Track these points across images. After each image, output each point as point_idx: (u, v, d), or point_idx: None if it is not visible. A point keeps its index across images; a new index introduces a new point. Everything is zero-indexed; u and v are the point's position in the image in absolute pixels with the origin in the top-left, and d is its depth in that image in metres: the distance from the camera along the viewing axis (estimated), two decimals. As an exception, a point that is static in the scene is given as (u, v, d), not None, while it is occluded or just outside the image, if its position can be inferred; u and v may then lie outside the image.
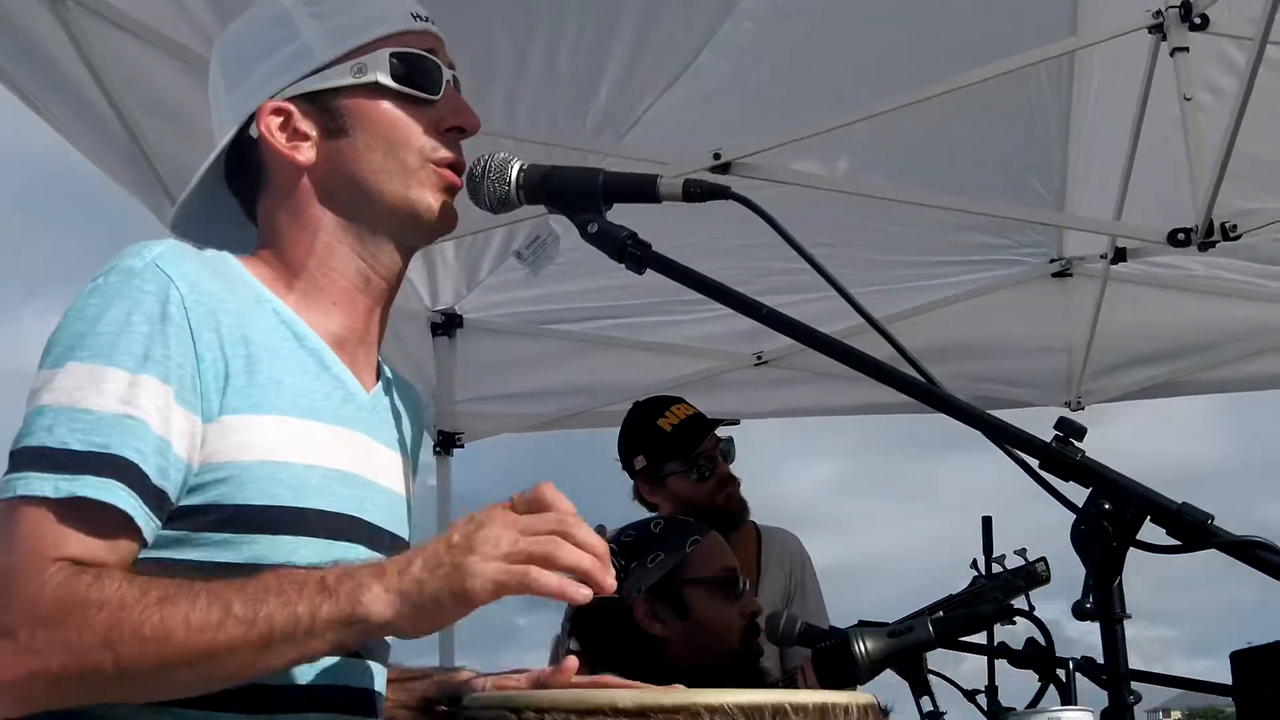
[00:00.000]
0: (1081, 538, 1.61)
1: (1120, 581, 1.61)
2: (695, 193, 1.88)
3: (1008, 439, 1.67)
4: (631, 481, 4.23)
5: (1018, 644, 2.95)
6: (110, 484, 1.59)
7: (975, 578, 3.95)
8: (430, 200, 1.88)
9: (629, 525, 3.19)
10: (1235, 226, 3.32)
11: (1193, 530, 1.59)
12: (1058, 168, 4.82)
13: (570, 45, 4.20)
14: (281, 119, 1.87)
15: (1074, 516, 1.63)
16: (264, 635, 1.52)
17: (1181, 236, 3.42)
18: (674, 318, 5.47)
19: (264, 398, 1.74)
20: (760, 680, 3.08)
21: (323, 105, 1.87)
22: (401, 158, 1.87)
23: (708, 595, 3.03)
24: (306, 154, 1.87)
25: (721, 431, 4.23)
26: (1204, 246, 3.39)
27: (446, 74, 1.93)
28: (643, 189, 1.88)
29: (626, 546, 3.04)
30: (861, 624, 1.75)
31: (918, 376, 1.80)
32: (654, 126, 4.56)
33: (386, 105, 1.88)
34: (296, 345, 1.82)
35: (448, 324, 5.53)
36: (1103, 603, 1.59)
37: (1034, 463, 1.66)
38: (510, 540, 1.56)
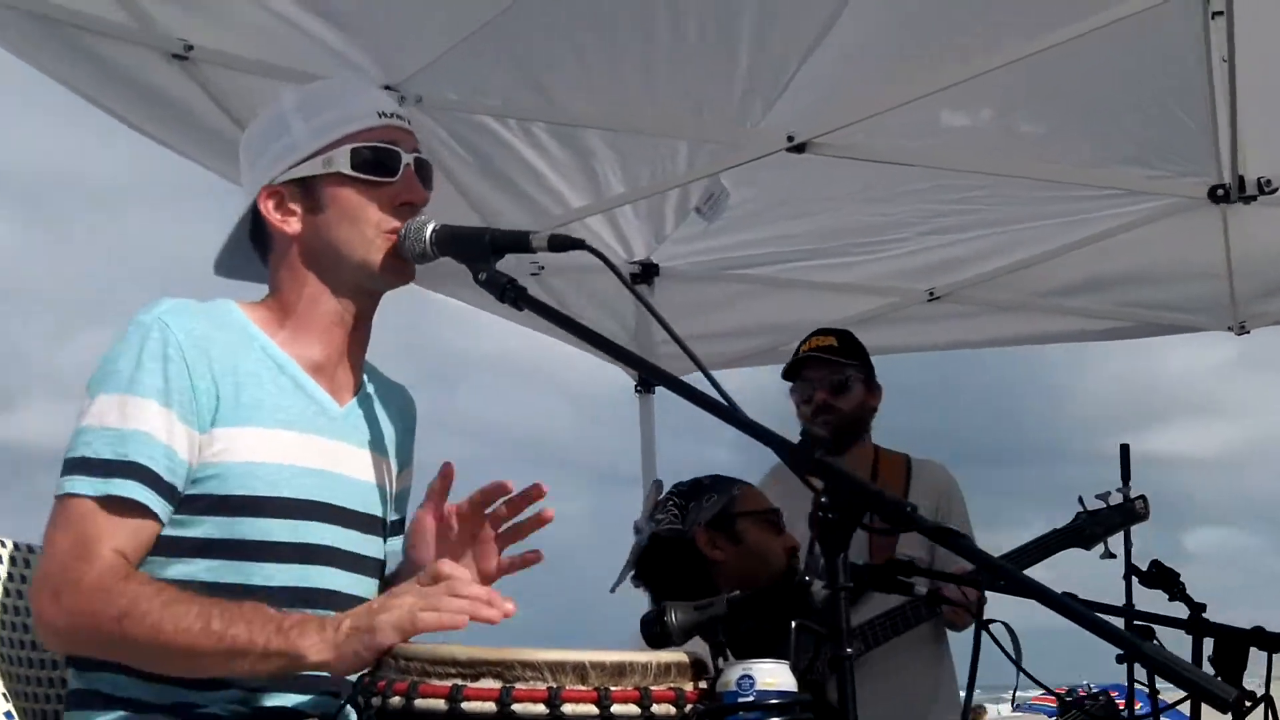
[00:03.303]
0: (816, 521, 2.01)
1: (846, 555, 2.00)
2: (557, 244, 2.32)
3: (769, 441, 2.09)
4: None
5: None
6: (130, 484, 2.21)
7: (1078, 513, 4.28)
8: (383, 261, 2.42)
9: (685, 479, 3.69)
10: (1269, 182, 3.51)
11: (899, 517, 1.99)
12: (1203, 97, 4.90)
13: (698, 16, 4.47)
14: (275, 200, 2.44)
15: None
16: (227, 649, 2.12)
17: (1220, 193, 3.63)
18: (849, 259, 5.80)
19: (246, 414, 2.33)
20: (807, 606, 3.53)
21: (305, 188, 2.43)
22: (361, 229, 2.42)
23: (757, 526, 3.59)
24: (294, 226, 2.44)
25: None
26: (1247, 200, 3.58)
27: (406, 158, 2.45)
28: (519, 242, 2.34)
29: (684, 493, 3.59)
30: (670, 602, 2.19)
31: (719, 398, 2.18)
32: (803, 90, 4.86)
33: (348, 189, 2.42)
34: (278, 372, 2.39)
35: (645, 273, 5.97)
36: (831, 572, 1.99)
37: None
38: (411, 601, 2.11)
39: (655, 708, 1.99)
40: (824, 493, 2.00)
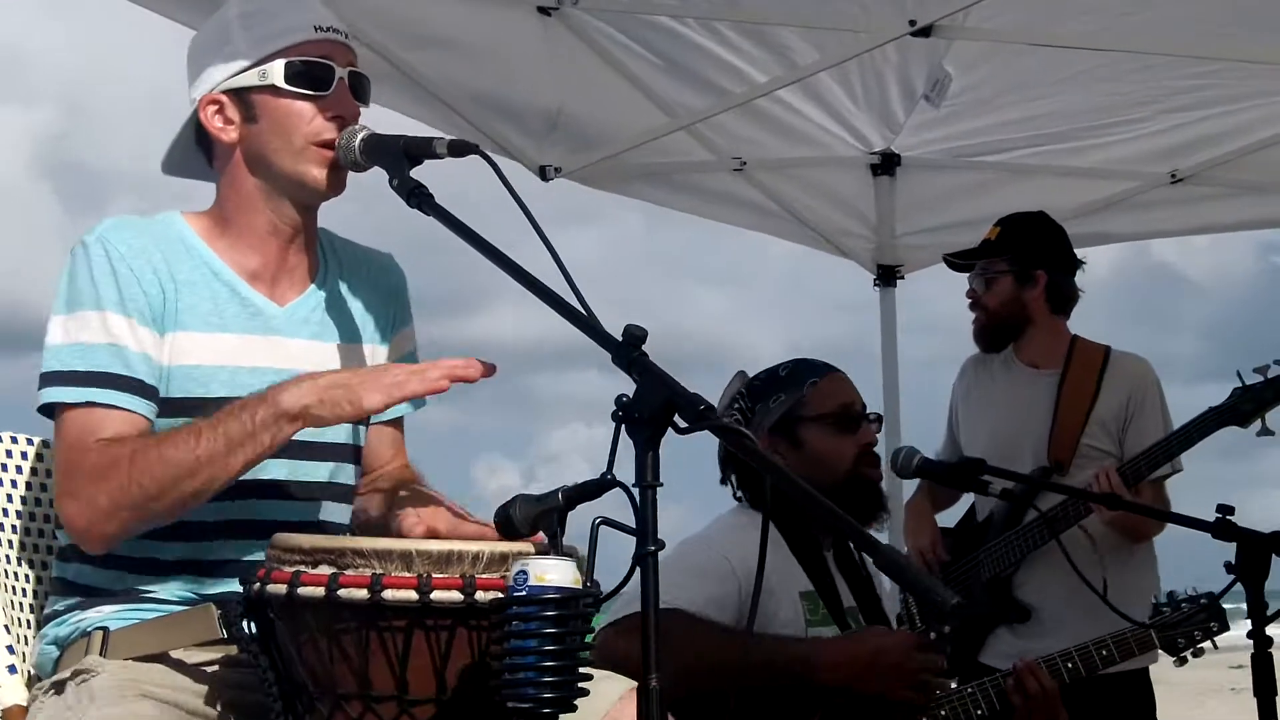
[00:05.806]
0: (625, 420, 2.04)
1: (655, 454, 2.03)
2: (456, 149, 2.41)
3: (595, 335, 2.14)
4: None
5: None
6: (108, 391, 2.42)
7: (1234, 388, 4.09)
8: (314, 172, 2.56)
9: (760, 371, 3.61)
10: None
11: (698, 415, 2.01)
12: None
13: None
14: (216, 108, 2.59)
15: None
16: (227, 442, 2.32)
17: None
18: (1089, 142, 5.56)
19: (183, 319, 2.52)
20: (879, 504, 3.45)
21: (242, 98, 2.57)
22: (290, 140, 2.55)
23: (820, 429, 3.44)
24: (231, 135, 2.59)
25: None
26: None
27: (340, 73, 2.57)
28: (426, 148, 2.43)
29: (753, 391, 3.52)
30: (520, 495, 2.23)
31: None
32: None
33: (282, 100, 2.55)
34: (213, 278, 2.57)
35: (885, 164, 5.92)
36: (640, 470, 2.03)
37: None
38: (396, 370, 2.34)
39: (480, 595, 2.11)
40: (643, 390, 2.03)
